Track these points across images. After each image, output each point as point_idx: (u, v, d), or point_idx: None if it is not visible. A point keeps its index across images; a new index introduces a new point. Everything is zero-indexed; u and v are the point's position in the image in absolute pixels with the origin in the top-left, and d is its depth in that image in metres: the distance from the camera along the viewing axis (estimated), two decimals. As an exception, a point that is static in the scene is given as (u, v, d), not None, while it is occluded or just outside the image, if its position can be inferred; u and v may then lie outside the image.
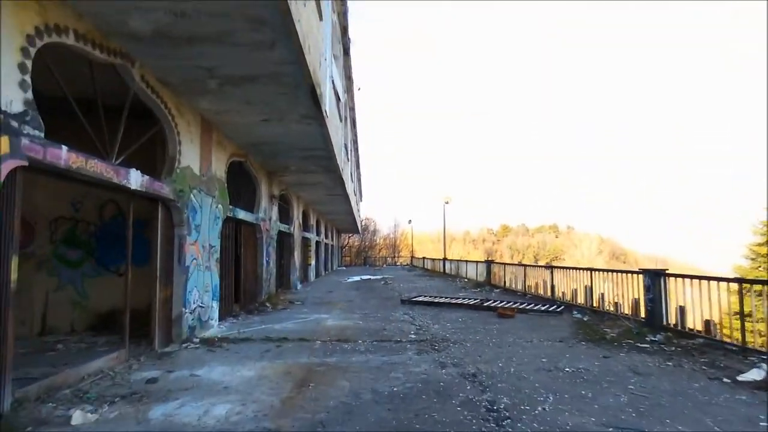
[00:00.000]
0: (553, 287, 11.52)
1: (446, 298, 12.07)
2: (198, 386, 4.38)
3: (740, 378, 4.66)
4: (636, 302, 8.02)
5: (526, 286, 13.33)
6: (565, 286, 11.01)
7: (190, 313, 6.59)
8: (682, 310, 6.88)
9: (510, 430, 3.36)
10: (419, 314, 9.40)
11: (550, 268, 12.19)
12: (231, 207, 8.66)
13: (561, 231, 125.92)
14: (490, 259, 22.68)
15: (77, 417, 3.43)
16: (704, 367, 5.18)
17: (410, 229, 50.63)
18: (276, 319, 8.80)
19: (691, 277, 6.87)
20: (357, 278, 22.22)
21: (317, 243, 23.00)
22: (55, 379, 4.18)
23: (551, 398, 4.06)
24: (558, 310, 9.55)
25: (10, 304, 3.39)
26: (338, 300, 12.31)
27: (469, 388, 4.37)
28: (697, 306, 6.66)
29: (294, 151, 9.66)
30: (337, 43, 10.76)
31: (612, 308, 8.83)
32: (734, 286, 6.52)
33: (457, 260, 24.96)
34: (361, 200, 38.00)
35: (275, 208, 12.69)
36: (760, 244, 27.10)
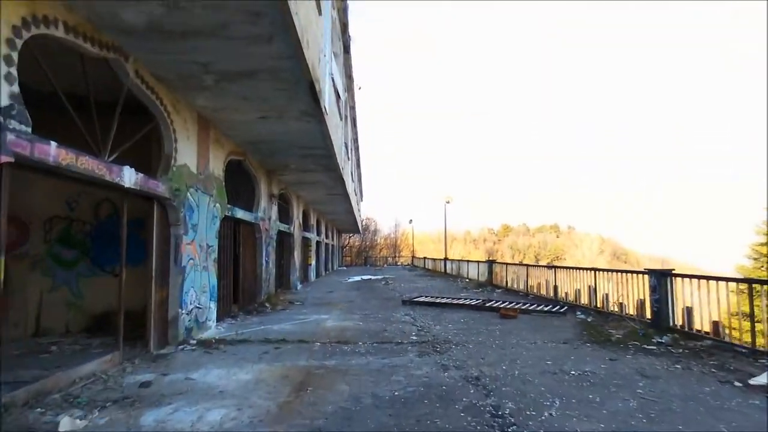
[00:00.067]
0: (556, 287, 11.37)
1: (448, 298, 11.93)
2: (193, 390, 4.25)
3: (752, 382, 4.52)
4: (641, 303, 7.88)
5: (529, 287, 13.18)
6: (568, 286, 10.87)
7: (187, 314, 6.46)
8: (689, 311, 6.73)
9: (516, 437, 3.22)
10: (420, 315, 9.26)
11: (552, 268, 12.05)
12: (229, 206, 8.52)
13: (562, 231, 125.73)
14: (491, 259, 22.52)
15: (65, 423, 3.30)
16: (714, 370, 5.03)
17: (411, 229, 50.52)
18: (275, 319, 8.66)
19: (699, 277, 6.72)
20: (357, 278, 22.08)
21: (317, 243, 22.86)
22: (45, 383, 4.04)
23: (558, 403, 3.92)
24: (561, 310, 9.40)
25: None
26: (338, 300, 12.17)
27: (472, 392, 4.23)
28: (699, 306, 6.53)
29: (293, 149, 9.52)
30: (337, 41, 10.63)
31: (616, 309, 8.69)
32: (736, 285, 6.39)
33: (459, 260, 24.81)
34: (361, 200, 37.85)
35: (275, 208, 12.56)
36: (762, 244, 26.95)
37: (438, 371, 4.96)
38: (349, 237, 51.56)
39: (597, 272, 9.69)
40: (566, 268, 11.25)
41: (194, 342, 6.30)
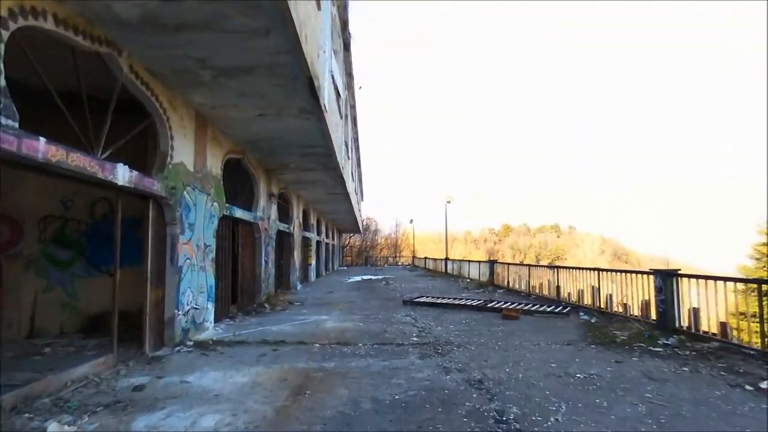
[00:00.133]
0: (558, 288, 11.23)
1: (449, 298, 11.80)
2: (187, 394, 4.12)
3: (763, 385, 4.38)
4: (646, 303, 7.75)
5: (530, 287, 13.05)
6: (571, 286, 10.73)
7: (184, 315, 6.33)
8: (695, 312, 6.60)
9: (522, 444, 3.10)
10: (421, 316, 9.13)
11: (555, 268, 11.92)
12: (227, 205, 8.40)
13: (563, 231, 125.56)
14: (492, 258, 22.39)
15: (53, 429, 3.18)
16: (723, 373, 4.90)
17: (412, 229, 50.39)
18: (274, 320, 8.54)
19: (706, 277, 6.58)
20: (358, 278, 21.96)
21: (318, 243, 22.74)
22: (35, 387, 3.92)
23: (564, 408, 3.79)
24: (564, 311, 9.27)
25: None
26: (338, 301, 12.04)
27: (475, 396, 4.10)
28: (707, 307, 6.40)
29: (292, 147, 9.40)
30: (337, 38, 10.50)
31: (620, 310, 8.55)
32: (736, 286, 6.26)
33: (460, 260, 24.66)
34: (362, 200, 37.72)
35: (274, 207, 12.44)
36: (763, 244, 26.83)
37: (440, 374, 4.83)
38: (350, 237, 51.43)
39: (600, 272, 9.55)
40: (569, 268, 11.11)
41: (191, 343, 6.18)
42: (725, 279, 6.21)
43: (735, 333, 6.19)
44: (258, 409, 3.74)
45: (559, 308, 9.61)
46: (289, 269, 15.20)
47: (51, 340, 6.50)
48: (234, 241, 9.50)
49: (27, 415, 3.51)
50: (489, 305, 10.12)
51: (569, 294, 10.72)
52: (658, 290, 7.21)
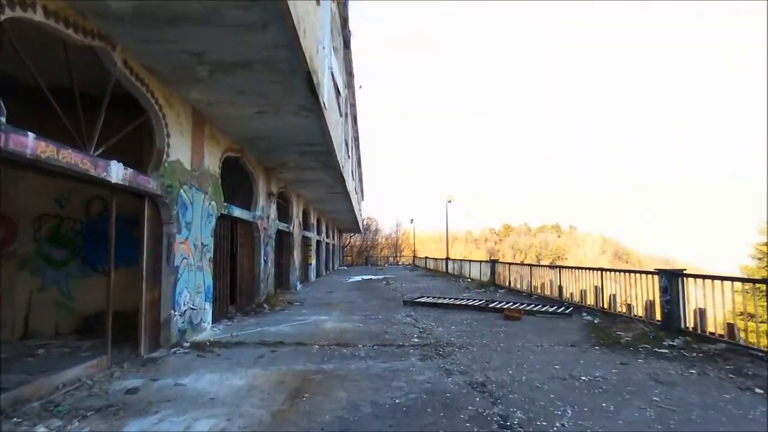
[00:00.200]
0: (560, 288, 11.11)
1: (450, 299, 11.68)
2: (182, 397, 4.01)
3: (774, 388, 4.27)
4: (650, 304, 7.62)
5: (532, 287, 12.93)
6: (573, 286, 10.61)
7: (180, 315, 6.22)
8: (702, 313, 6.47)
9: (527, 451, 2.98)
10: (422, 316, 9.01)
11: (557, 268, 11.80)
12: (226, 204, 8.28)
13: (563, 230, 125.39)
14: (493, 258, 22.26)
15: (41, 435, 3.06)
16: (731, 376, 4.78)
17: (412, 229, 50.26)
18: (273, 321, 8.42)
19: (712, 277, 6.45)
20: (358, 278, 21.84)
21: (318, 242, 22.62)
22: (25, 390, 3.80)
23: (569, 412, 3.68)
24: (567, 311, 9.15)
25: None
26: (338, 301, 11.93)
27: (478, 399, 3.99)
28: (713, 308, 6.29)
29: (291, 146, 9.28)
30: (337, 35, 10.38)
31: (624, 310, 8.43)
32: (742, 285, 6.15)
33: (460, 260, 24.54)
34: (362, 199, 37.58)
35: (273, 206, 12.32)
36: (765, 244, 26.71)
37: (441, 376, 4.72)
38: (350, 236, 51.32)
39: (603, 272, 9.43)
40: (571, 268, 10.99)
41: (187, 345, 6.06)
42: (732, 279, 6.10)
43: (742, 335, 6.06)
44: (254, 413, 3.63)
45: (562, 309, 9.49)
46: (289, 269, 15.09)
47: (45, 341, 6.40)
48: (233, 241, 9.39)
49: (15, 419, 3.39)
50: (491, 305, 10.00)
51: (572, 294, 10.60)
52: (663, 290, 7.09)
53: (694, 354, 5.74)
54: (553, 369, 5.03)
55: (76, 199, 7.10)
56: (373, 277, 22.83)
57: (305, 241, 18.56)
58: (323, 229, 25.08)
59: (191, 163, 6.68)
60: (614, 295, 8.83)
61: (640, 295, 7.97)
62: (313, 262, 20.35)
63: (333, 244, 32.14)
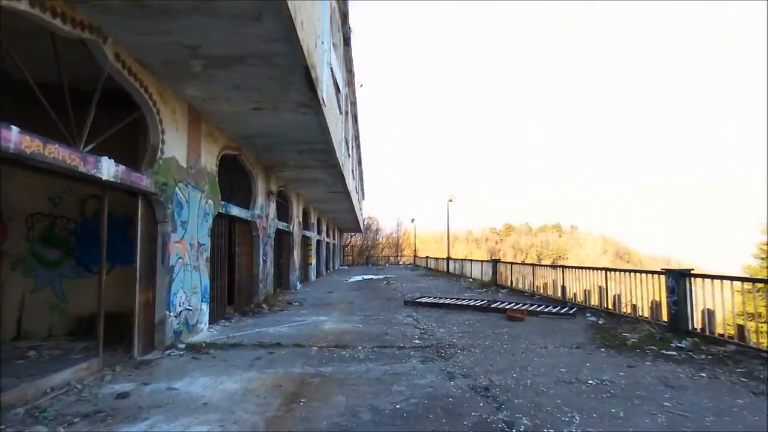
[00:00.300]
0: (563, 288, 10.94)
1: (451, 299, 11.52)
2: (174, 402, 3.86)
3: (789, 393, 4.10)
4: (656, 304, 7.45)
5: (535, 287, 12.76)
6: (576, 286, 10.44)
7: (175, 316, 6.07)
8: (710, 314, 6.30)
9: (534, 461, 2.82)
10: (423, 316, 8.85)
11: (560, 268, 11.63)
12: (223, 203, 8.13)
13: (564, 230, 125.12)
14: (495, 258, 22.09)
15: (23, 444, 2.91)
16: (743, 379, 4.61)
17: (413, 229, 50.09)
18: (271, 321, 8.27)
19: (721, 277, 6.28)
20: (359, 278, 21.69)
21: (318, 242, 22.47)
22: (9, 395, 3.65)
23: (578, 418, 3.52)
24: (570, 312, 8.98)
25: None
26: (338, 301, 11.78)
27: (482, 404, 3.83)
28: (723, 308, 6.13)
29: (290, 144, 9.12)
30: (337, 31, 10.21)
31: (629, 311, 8.26)
32: (747, 286, 5.99)
33: (462, 259, 24.38)
34: (363, 198, 37.42)
35: (273, 205, 12.17)
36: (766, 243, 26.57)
37: (443, 380, 4.56)
38: (351, 236, 51.16)
39: (608, 272, 9.26)
40: (574, 267, 10.82)
41: (183, 346, 5.91)
42: (742, 279, 5.94)
43: (752, 336, 5.90)
44: (248, 419, 3.47)
45: (565, 309, 9.33)
46: (289, 269, 14.94)
47: (38, 343, 6.25)
48: (231, 240, 9.24)
49: (-2, 426, 3.25)
50: (493, 306, 9.85)
51: (575, 294, 10.43)
52: (671, 291, 6.92)
53: (703, 356, 5.58)
54: (558, 372, 4.87)
55: (71, 197, 6.95)
56: (374, 276, 22.67)
57: (305, 240, 18.41)
58: (323, 228, 24.93)
59: (187, 161, 6.53)
60: (619, 296, 8.66)
61: (645, 296, 7.80)
62: (314, 261, 20.20)
63: (333, 244, 31.99)
